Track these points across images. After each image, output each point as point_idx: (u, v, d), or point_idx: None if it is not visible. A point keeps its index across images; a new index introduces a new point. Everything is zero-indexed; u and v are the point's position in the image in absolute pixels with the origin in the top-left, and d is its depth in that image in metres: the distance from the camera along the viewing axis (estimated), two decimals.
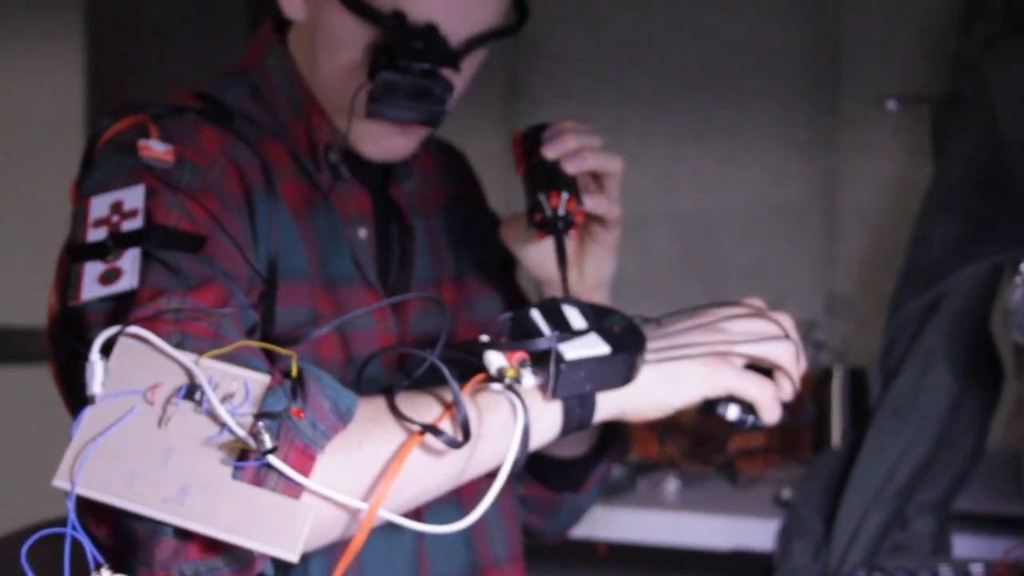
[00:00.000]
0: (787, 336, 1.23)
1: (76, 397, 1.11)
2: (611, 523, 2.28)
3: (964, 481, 2.00)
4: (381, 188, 1.44)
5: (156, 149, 1.25)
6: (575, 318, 1.16)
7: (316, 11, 1.34)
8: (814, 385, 2.61)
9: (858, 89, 2.86)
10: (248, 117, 1.38)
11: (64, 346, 1.18)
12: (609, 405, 1.17)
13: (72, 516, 0.97)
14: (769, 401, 1.21)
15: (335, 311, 1.34)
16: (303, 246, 1.34)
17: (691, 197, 2.99)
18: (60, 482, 0.99)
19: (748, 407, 1.21)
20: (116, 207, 1.20)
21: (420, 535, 1.36)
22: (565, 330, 1.14)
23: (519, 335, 1.14)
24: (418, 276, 1.44)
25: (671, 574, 2.62)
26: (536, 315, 1.15)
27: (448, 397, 1.11)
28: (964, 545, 2.00)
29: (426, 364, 1.10)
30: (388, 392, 1.11)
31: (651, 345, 1.18)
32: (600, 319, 1.16)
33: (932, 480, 1.97)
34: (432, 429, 1.08)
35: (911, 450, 1.96)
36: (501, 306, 1.51)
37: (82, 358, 1.04)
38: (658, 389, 1.18)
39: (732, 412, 1.22)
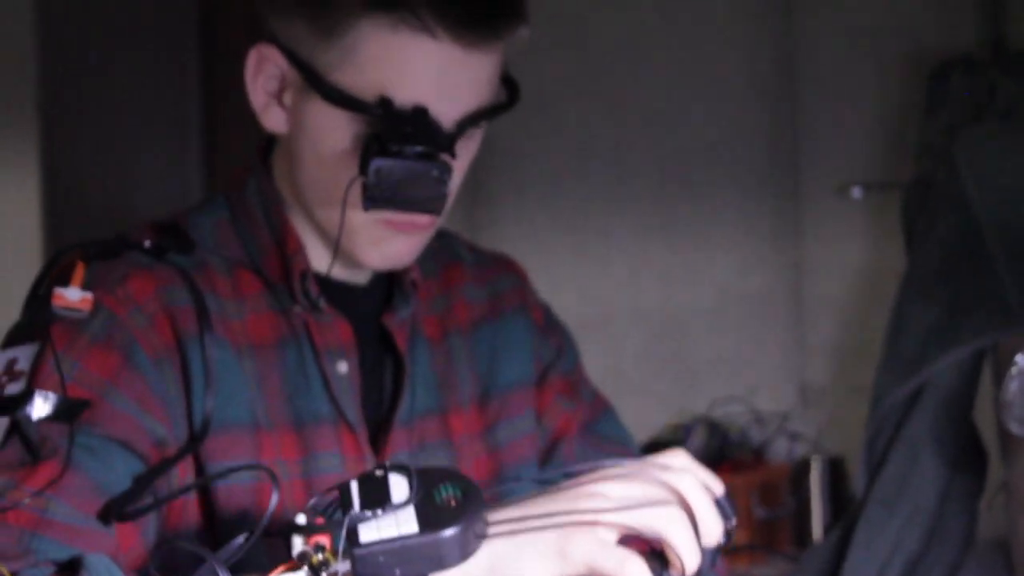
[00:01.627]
0: (681, 501, 1.06)
1: None
2: None
3: (957, 570, 1.97)
4: (375, 316, 1.35)
5: (70, 298, 1.19)
6: (398, 489, 1.04)
7: (298, 115, 1.28)
8: (792, 477, 2.59)
9: (819, 178, 2.87)
10: (219, 246, 1.31)
11: None
12: None
13: None
14: None
15: (302, 454, 1.27)
16: (253, 389, 1.27)
17: (658, 291, 2.98)
18: None
19: None
20: (9, 366, 1.16)
21: None
22: (381, 503, 1.03)
23: (346, 509, 1.03)
24: (411, 409, 1.34)
25: None
26: (354, 487, 1.03)
27: None
28: None
29: (244, 548, 1.02)
30: None
31: (501, 515, 1.06)
32: (431, 488, 1.04)
33: (926, 570, 1.94)
34: None
35: (903, 542, 1.93)
36: (533, 428, 1.41)
37: None
38: (504, 567, 1.04)
39: None
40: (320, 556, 1.02)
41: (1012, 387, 1.71)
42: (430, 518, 1.02)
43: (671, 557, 1.07)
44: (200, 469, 1.23)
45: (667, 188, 2.95)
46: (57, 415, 1.12)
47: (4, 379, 1.14)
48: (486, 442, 1.39)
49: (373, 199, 1.21)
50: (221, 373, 1.25)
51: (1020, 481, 2.09)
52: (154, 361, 1.22)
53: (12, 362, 1.16)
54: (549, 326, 1.48)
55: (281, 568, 1.02)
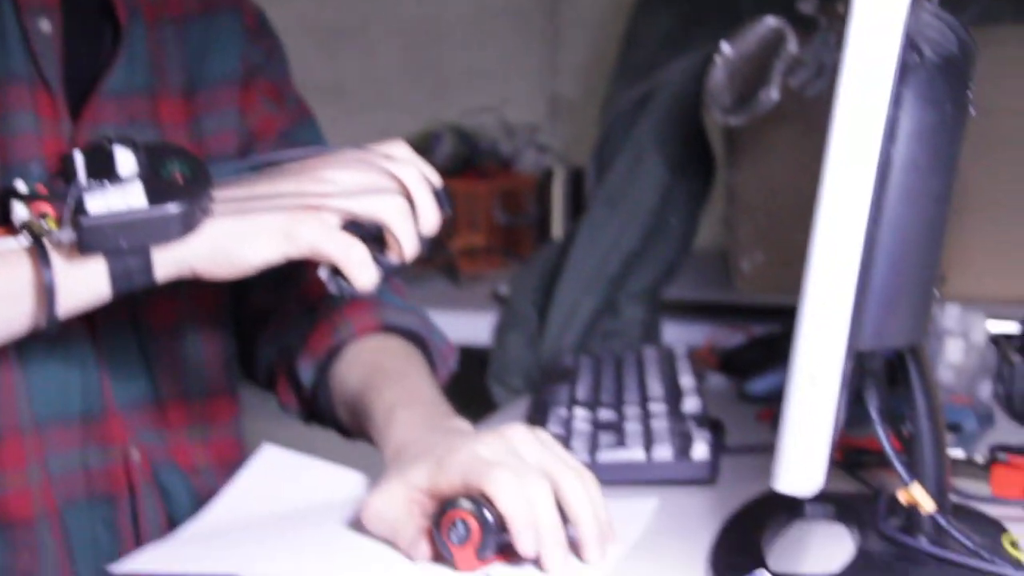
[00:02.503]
0: (400, 190, 1.11)
1: None
2: None
3: (674, 270, 2.04)
4: None
5: None
6: (125, 162, 1.05)
7: None
8: (537, 187, 2.63)
9: None
10: None
11: None
12: (171, 260, 1.06)
13: None
14: (355, 265, 1.09)
15: None
16: None
17: (416, 2, 2.95)
18: None
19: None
20: None
21: (98, 352, 1.28)
22: (107, 175, 1.03)
23: (69, 179, 1.04)
24: (125, 82, 1.33)
25: None
26: (78, 158, 1.04)
27: None
28: (673, 332, 2.05)
29: None
30: None
31: (227, 194, 1.08)
32: (159, 164, 1.05)
33: (643, 269, 2.01)
34: None
35: (622, 239, 1.99)
36: (236, 124, 1.41)
37: None
38: (229, 244, 1.07)
39: (323, 273, 1.10)
40: (44, 224, 1.03)
41: (716, 76, 1.76)
42: (158, 193, 1.03)
43: (391, 243, 1.12)
44: None
45: None
46: None
47: None
48: (191, 131, 1.38)
49: None
50: None
51: (741, 187, 2.16)
52: None
53: None
54: (261, 30, 1.46)
55: None
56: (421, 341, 1.39)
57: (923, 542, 1.07)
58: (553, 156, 2.76)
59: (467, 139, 2.70)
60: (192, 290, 1.21)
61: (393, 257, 1.12)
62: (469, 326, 2.16)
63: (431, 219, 1.13)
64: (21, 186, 1.05)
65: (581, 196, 2.51)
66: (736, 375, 1.73)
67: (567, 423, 1.44)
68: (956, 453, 1.31)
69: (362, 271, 1.09)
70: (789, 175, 1.90)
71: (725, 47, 1.76)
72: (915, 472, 1.05)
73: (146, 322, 1.33)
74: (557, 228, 2.57)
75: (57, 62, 1.28)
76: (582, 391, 1.55)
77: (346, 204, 1.09)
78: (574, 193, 2.57)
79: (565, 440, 1.37)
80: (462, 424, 1.18)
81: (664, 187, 2.01)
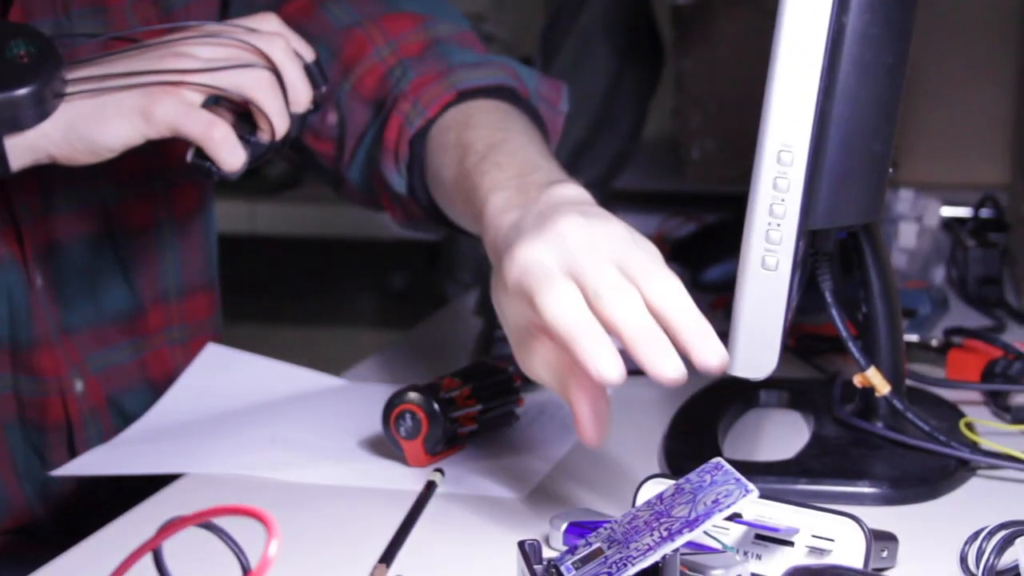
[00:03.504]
0: (266, 64, 1.05)
1: None
2: None
3: (624, 159, 2.01)
4: None
5: None
6: None
7: None
8: None
9: None
10: None
11: None
12: (25, 147, 1.01)
13: None
14: (218, 143, 1.03)
15: None
16: None
17: None
18: None
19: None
20: None
21: (31, 280, 1.19)
22: None
23: None
24: None
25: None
26: None
27: None
28: (624, 221, 2.02)
29: None
30: None
31: (79, 74, 1.02)
32: (2, 46, 1.00)
33: (593, 158, 1.97)
34: None
35: (571, 128, 1.94)
36: None
37: None
38: (84, 127, 1.01)
39: (190, 155, 1.04)
40: None
41: None
42: (3, 76, 0.98)
43: (259, 121, 1.06)
44: None
45: None
46: None
47: None
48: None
49: None
50: None
51: (691, 75, 2.13)
52: None
53: None
54: None
55: None
56: (510, 93, 1.21)
57: (879, 426, 1.05)
58: (499, 46, 2.71)
59: None
60: (165, 186, 1.15)
61: (263, 136, 1.06)
62: None
63: (302, 95, 1.07)
64: None
65: None
66: (688, 265, 1.70)
67: None
68: (911, 338, 1.30)
69: (227, 150, 1.03)
70: (739, 60, 1.88)
71: None
72: (870, 355, 1.03)
73: (121, 227, 1.25)
74: None
75: None
76: None
77: (207, 79, 1.03)
78: None
79: None
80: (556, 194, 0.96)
81: (612, 75, 1.97)
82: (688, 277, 1.67)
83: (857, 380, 1.03)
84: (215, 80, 1.04)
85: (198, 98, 1.04)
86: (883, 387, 1.02)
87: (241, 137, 1.05)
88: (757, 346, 0.91)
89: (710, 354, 0.84)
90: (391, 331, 2.64)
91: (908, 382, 1.08)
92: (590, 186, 1.98)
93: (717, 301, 1.52)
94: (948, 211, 1.67)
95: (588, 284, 0.86)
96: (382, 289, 3.06)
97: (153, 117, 1.02)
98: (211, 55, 1.04)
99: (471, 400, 1.06)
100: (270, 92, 1.05)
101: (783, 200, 0.89)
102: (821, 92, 0.88)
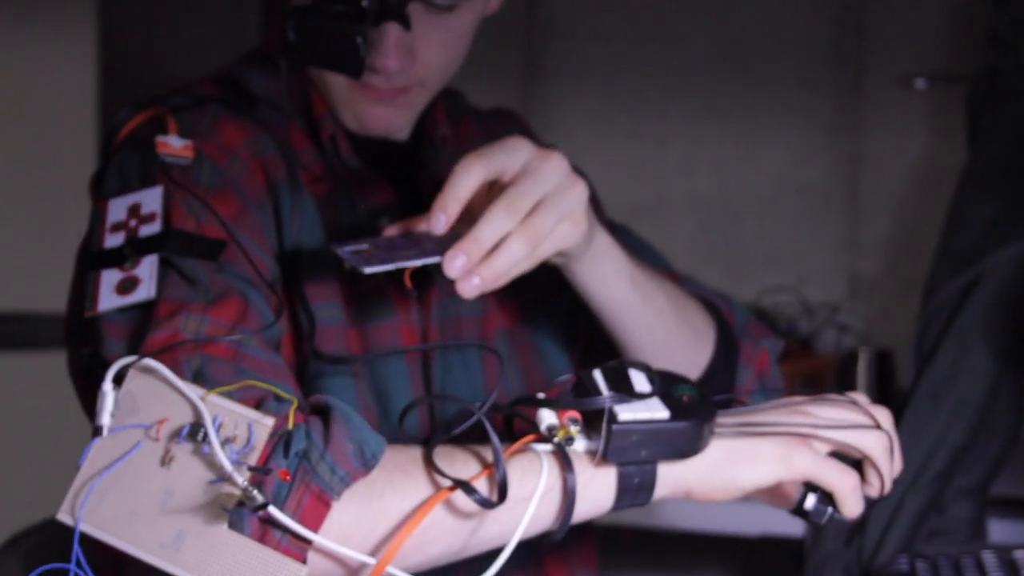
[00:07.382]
0: (880, 427, 1.14)
1: (89, 410, 1.09)
2: (637, 509, 2.24)
3: (1002, 465, 1.96)
4: (408, 177, 1.37)
5: (174, 145, 1.20)
6: (640, 382, 1.09)
7: None
8: (839, 368, 2.57)
9: (883, 67, 2.82)
10: (272, 102, 1.32)
11: (80, 355, 1.15)
12: (671, 479, 1.09)
13: (76, 550, 0.94)
14: (850, 492, 1.11)
15: (358, 304, 1.29)
16: (326, 237, 1.29)
17: (713, 179, 2.95)
18: (63, 516, 0.96)
19: (829, 497, 1.13)
20: (134, 210, 1.17)
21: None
22: (626, 392, 1.07)
23: (586, 394, 1.08)
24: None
25: (699, 560, 2.59)
26: (598, 375, 1.09)
27: (489, 456, 1.04)
28: (999, 530, 1.97)
29: (472, 420, 1.03)
30: (426, 443, 1.05)
31: (724, 420, 1.11)
32: (669, 386, 1.09)
33: (970, 464, 1.93)
34: (464, 485, 1.01)
35: (948, 434, 1.92)
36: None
37: (96, 377, 1.01)
38: (727, 466, 1.09)
39: (810, 501, 1.13)
40: (575, 428, 1.07)
41: None
42: (675, 410, 1.07)
43: (868, 477, 1.15)
44: (294, 306, 1.25)
45: (726, 74, 2.91)
46: (200, 254, 1.13)
47: (133, 222, 1.15)
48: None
49: (295, 50, 1.20)
50: (305, 220, 1.27)
51: None
52: (257, 205, 1.23)
53: (137, 206, 1.16)
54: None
55: (530, 438, 1.07)
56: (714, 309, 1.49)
57: None
58: (854, 336, 2.70)
59: (766, 318, 2.67)
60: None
61: (871, 491, 1.15)
62: (780, 516, 2.10)
63: (899, 462, 1.16)
64: (542, 396, 1.08)
65: (887, 380, 2.44)
66: None
67: None
68: None
69: (855, 499, 1.12)
70: None
71: None
72: None
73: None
74: None
75: None
76: None
77: (836, 435, 1.12)
78: (880, 376, 2.51)
79: None
80: None
81: (991, 380, 1.93)
82: None
83: None
84: (843, 436, 1.12)
85: (825, 450, 1.12)
86: None
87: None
88: None
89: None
90: None
91: None
92: (968, 492, 1.94)
93: None
94: None
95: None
96: None
97: (792, 463, 1.10)
98: (832, 415, 1.13)
99: None
100: (887, 453, 1.14)
101: None
102: None
